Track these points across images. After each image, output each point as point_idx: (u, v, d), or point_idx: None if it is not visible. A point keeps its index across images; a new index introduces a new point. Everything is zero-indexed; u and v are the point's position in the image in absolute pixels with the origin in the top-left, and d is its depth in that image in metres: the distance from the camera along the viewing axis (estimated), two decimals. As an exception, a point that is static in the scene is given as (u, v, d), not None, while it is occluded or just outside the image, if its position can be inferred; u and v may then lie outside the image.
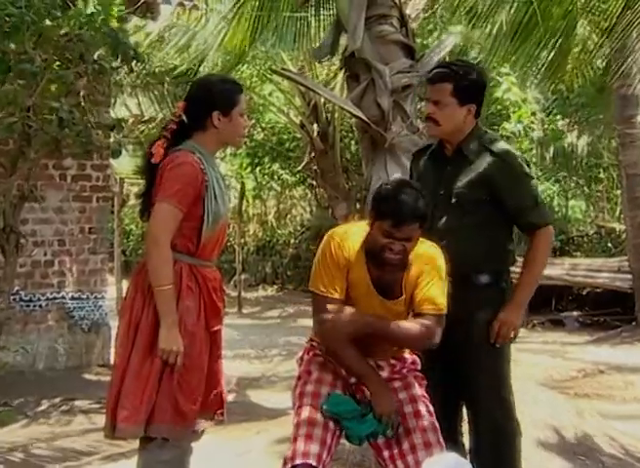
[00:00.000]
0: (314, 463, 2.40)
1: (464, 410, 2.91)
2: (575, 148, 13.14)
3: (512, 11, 5.50)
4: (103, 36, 3.73)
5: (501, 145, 2.86)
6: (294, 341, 8.33)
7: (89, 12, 3.79)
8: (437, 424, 2.54)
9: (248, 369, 7.17)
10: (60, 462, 4.29)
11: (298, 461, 2.40)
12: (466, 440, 2.91)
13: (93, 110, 6.12)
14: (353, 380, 2.62)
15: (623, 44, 5.83)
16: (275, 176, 14.48)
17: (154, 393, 2.59)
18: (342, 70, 5.08)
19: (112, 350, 3.10)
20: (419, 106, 5.32)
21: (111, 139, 5.22)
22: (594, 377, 6.86)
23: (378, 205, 2.47)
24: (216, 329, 2.73)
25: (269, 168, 13.84)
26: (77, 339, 6.82)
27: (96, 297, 6.96)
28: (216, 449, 3.79)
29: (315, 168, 11.45)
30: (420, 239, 2.52)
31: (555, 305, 11.23)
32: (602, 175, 14.10)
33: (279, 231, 16.90)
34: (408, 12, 4.77)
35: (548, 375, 6.54)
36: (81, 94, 4.27)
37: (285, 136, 13.16)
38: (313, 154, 11.17)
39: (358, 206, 10.82)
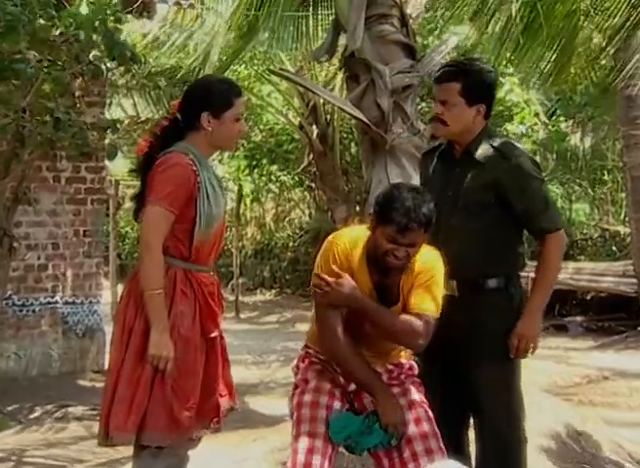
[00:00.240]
0: None
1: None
2: (578, 150, 13.15)
3: (514, 11, 5.50)
4: (99, 36, 3.74)
5: (512, 148, 2.80)
6: (292, 347, 8.32)
7: (84, 12, 3.79)
8: (437, 430, 2.54)
9: (245, 375, 7.16)
10: (54, 470, 4.29)
11: None
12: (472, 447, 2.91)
13: (87, 111, 6.14)
14: (352, 388, 2.61)
15: (628, 44, 5.85)
16: (273, 178, 14.48)
17: (146, 399, 2.58)
18: (342, 71, 5.08)
19: (107, 356, 3.10)
20: (419, 107, 5.33)
21: (106, 141, 5.22)
22: (599, 384, 6.85)
23: (381, 210, 2.45)
24: (213, 335, 2.72)
25: (267, 170, 13.84)
26: (71, 345, 6.81)
27: (90, 302, 6.96)
28: (212, 457, 3.78)
29: (314, 170, 11.45)
30: None
31: (559, 310, 11.22)
32: (606, 178, 14.11)
33: (277, 234, 16.89)
34: (408, 11, 4.78)
35: (552, 382, 6.54)
36: (76, 94, 4.28)
37: (283, 138, 13.16)
38: (312, 156, 11.18)
39: (358, 208, 10.83)
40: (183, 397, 2.63)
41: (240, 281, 13.66)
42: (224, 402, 2.81)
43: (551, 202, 2.84)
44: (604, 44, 5.96)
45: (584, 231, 14.14)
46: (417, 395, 2.61)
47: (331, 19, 5.49)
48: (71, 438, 4.99)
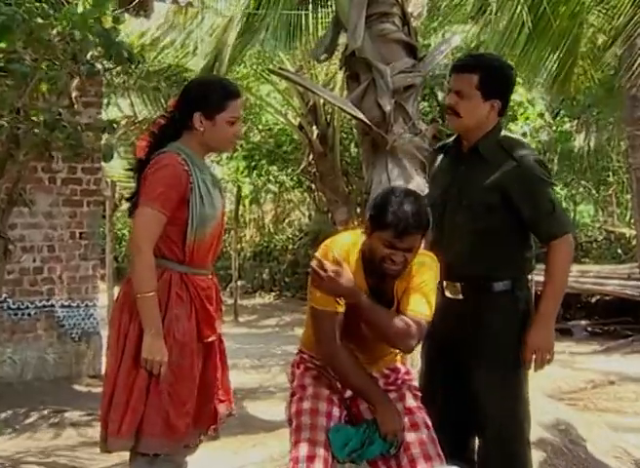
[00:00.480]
0: None
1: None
2: (583, 151, 13.15)
3: (519, 10, 5.51)
4: (96, 36, 3.74)
5: (521, 149, 2.75)
6: (291, 351, 8.28)
7: (81, 10, 3.79)
8: (435, 436, 2.54)
9: (244, 379, 7.16)
10: (49, 477, 4.28)
11: None
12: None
13: (84, 112, 6.14)
14: (349, 394, 2.62)
15: (633, 43, 5.85)
16: (272, 179, 14.49)
17: (141, 405, 2.58)
18: (342, 70, 5.08)
19: (103, 360, 3.10)
20: (421, 107, 5.34)
21: (103, 142, 5.22)
22: (604, 388, 6.85)
23: (378, 214, 2.45)
24: (210, 339, 2.71)
25: (266, 171, 13.85)
26: (67, 349, 6.81)
27: (87, 305, 6.95)
28: (210, 463, 3.78)
29: (314, 171, 11.47)
30: None
31: (563, 314, 11.19)
32: (611, 179, 14.11)
33: (277, 236, 16.89)
34: (410, 10, 4.77)
35: (557, 387, 6.53)
36: (73, 95, 4.28)
37: (283, 138, 13.17)
38: (312, 157, 11.19)
39: (358, 210, 10.84)
40: (180, 403, 2.62)
41: (239, 284, 13.66)
42: (223, 407, 2.81)
43: (559, 205, 2.79)
44: (608, 44, 5.97)
45: (589, 233, 14.14)
46: (413, 400, 2.62)
47: (331, 17, 5.50)
48: (67, 444, 4.99)
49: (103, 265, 10.34)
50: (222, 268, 14.45)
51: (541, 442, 3.68)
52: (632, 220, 11.95)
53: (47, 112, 4.04)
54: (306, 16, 6.43)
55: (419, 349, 3.55)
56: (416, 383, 2.74)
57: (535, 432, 2.93)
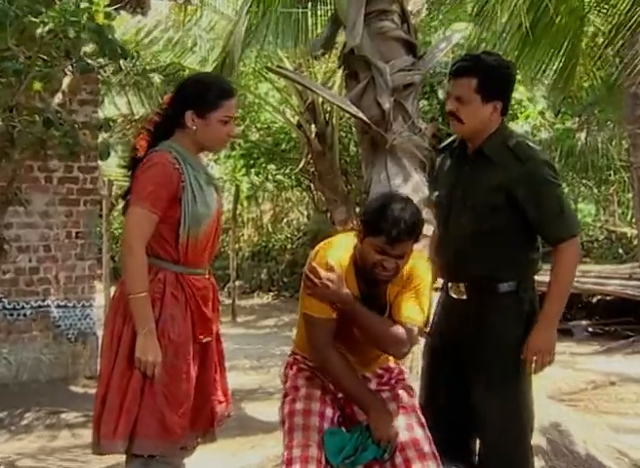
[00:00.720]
0: None
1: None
2: (584, 149, 13.15)
3: (519, 7, 5.50)
4: (89, 32, 3.73)
5: (527, 149, 2.72)
6: (290, 351, 8.31)
7: (73, 7, 3.78)
8: (430, 435, 2.55)
9: (242, 380, 7.16)
10: (45, 478, 4.28)
11: None
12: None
13: (80, 110, 6.14)
14: (342, 394, 2.62)
15: (634, 40, 5.85)
16: (270, 177, 14.48)
17: (135, 407, 2.57)
18: (341, 68, 5.07)
19: (100, 361, 3.10)
20: (421, 106, 5.33)
21: (99, 140, 5.22)
22: (605, 389, 6.84)
23: (370, 221, 2.46)
24: (206, 340, 2.71)
25: (265, 169, 13.84)
26: (63, 350, 6.81)
27: (83, 306, 6.95)
28: (208, 465, 3.78)
29: (313, 170, 11.46)
30: None
31: (563, 314, 11.18)
32: (612, 178, 14.11)
33: (275, 236, 16.89)
34: (409, 7, 4.77)
35: (557, 387, 6.53)
36: (67, 92, 4.27)
37: (281, 137, 13.16)
38: (310, 156, 11.18)
39: (357, 210, 10.83)
40: (175, 404, 2.61)
41: (237, 284, 13.65)
42: (221, 409, 2.81)
43: (567, 206, 2.75)
44: (607, 41, 5.96)
45: (590, 233, 14.14)
46: (408, 400, 2.63)
47: (330, 15, 5.50)
48: (63, 445, 4.99)
49: (100, 265, 10.34)
50: (220, 268, 14.44)
51: (541, 443, 3.68)
52: (634, 220, 11.97)
53: (42, 110, 4.04)
54: (305, 14, 6.42)
55: (419, 349, 3.56)
56: (410, 382, 2.75)
57: (534, 433, 2.92)
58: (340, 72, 8.49)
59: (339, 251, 2.56)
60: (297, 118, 11.48)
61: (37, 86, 3.95)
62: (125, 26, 9.48)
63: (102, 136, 5.30)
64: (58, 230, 6.83)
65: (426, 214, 4.17)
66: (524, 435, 2.75)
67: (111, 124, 4.95)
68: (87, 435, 4.94)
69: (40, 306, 6.72)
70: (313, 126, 10.94)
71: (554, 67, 5.99)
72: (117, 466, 3.73)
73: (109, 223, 11.69)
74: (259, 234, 17.38)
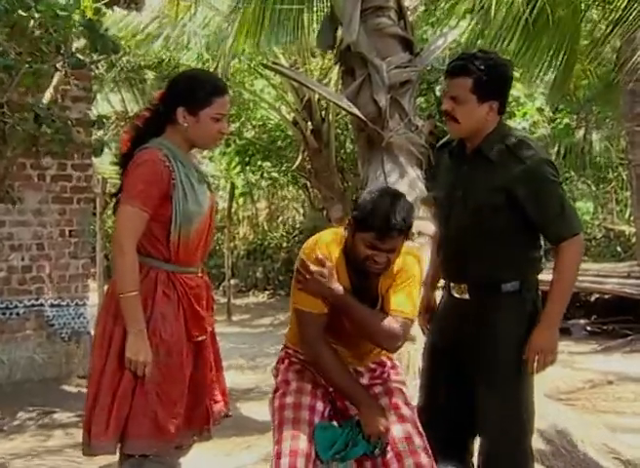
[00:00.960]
0: None
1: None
2: (582, 147, 13.17)
3: (515, 5, 5.51)
4: (79, 28, 3.71)
5: (527, 148, 2.70)
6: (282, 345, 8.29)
7: (64, 1, 3.76)
8: (422, 430, 2.56)
9: (238, 379, 7.16)
10: (38, 479, 4.27)
11: None
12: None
13: (73, 107, 6.12)
14: (333, 389, 2.63)
15: (631, 37, 5.86)
16: (266, 175, 14.48)
17: (126, 406, 2.57)
18: (337, 65, 5.07)
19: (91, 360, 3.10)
20: (417, 103, 5.33)
21: (93, 137, 5.20)
22: (602, 388, 6.85)
23: (360, 216, 2.48)
24: (199, 339, 2.71)
25: (260, 167, 13.84)
26: (57, 349, 6.79)
27: (77, 305, 6.94)
28: (204, 465, 3.77)
29: (309, 167, 11.46)
30: None
31: (561, 312, 11.21)
32: (610, 175, 14.14)
33: (271, 234, 16.88)
34: (406, 3, 4.77)
35: (555, 386, 6.54)
36: (59, 88, 4.25)
37: (277, 134, 13.16)
38: (307, 153, 11.19)
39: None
40: (169, 403, 2.61)
41: (232, 282, 13.65)
42: (218, 408, 2.81)
43: (568, 205, 2.74)
44: (604, 37, 5.97)
45: (588, 231, 14.16)
46: (400, 395, 2.64)
47: (326, 11, 5.49)
48: (56, 445, 4.97)
49: (94, 264, 10.33)
50: (215, 267, 14.43)
51: (539, 442, 3.69)
52: (632, 218, 11.98)
53: (35, 107, 4.03)
54: (301, 10, 6.41)
55: (416, 348, 3.56)
56: (402, 377, 2.76)
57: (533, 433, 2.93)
58: (336, 69, 8.49)
59: (329, 244, 2.57)
60: (292, 115, 11.48)
61: (28, 82, 3.94)
62: (119, 23, 9.47)
63: (96, 133, 5.28)
64: (51, 228, 6.81)
65: (423, 211, 4.20)
66: (524, 434, 2.75)
67: (105, 121, 4.94)
68: (80, 435, 4.94)
69: (33, 305, 6.70)
70: (309, 123, 10.94)
71: (553, 65, 5.99)
72: (111, 466, 3.73)
73: (103, 221, 11.68)
74: (254, 232, 17.38)
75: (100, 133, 5.97)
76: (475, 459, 2.84)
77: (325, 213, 12.25)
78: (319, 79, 10.75)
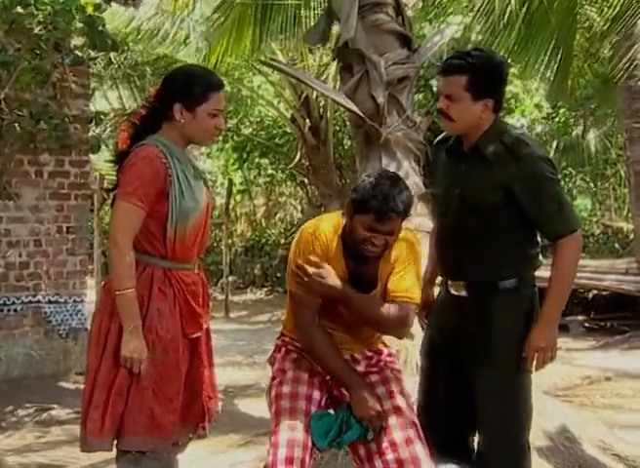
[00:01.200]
0: None
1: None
2: (581, 143, 13.18)
3: (511, 2, 5.51)
4: (79, 24, 3.71)
5: (524, 146, 2.69)
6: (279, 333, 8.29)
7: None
8: (417, 420, 2.57)
9: (235, 376, 7.16)
10: (36, 476, 4.28)
11: None
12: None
13: (71, 103, 6.11)
14: (328, 374, 2.64)
15: (629, 34, 5.86)
16: (263, 172, 14.48)
17: (122, 403, 2.58)
18: (335, 61, 5.07)
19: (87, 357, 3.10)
20: (415, 99, 5.33)
21: (90, 134, 5.20)
22: (600, 385, 6.86)
23: (359, 198, 2.48)
24: (195, 336, 2.71)
25: (258, 163, 13.84)
26: (54, 346, 6.79)
27: (74, 301, 6.93)
28: (201, 462, 3.78)
29: (307, 164, 11.46)
30: None
31: (559, 309, 11.21)
32: (609, 172, 14.15)
33: (268, 231, 16.88)
34: (404, 0, 4.77)
35: (552, 383, 6.55)
36: (57, 85, 4.25)
37: (275, 131, 13.15)
38: (304, 150, 11.18)
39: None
40: (165, 399, 2.61)
41: (230, 279, 13.65)
42: (214, 404, 2.81)
43: (565, 202, 2.74)
44: (601, 33, 5.97)
45: (586, 227, 14.18)
46: (396, 383, 2.64)
47: (324, 7, 5.49)
48: (53, 442, 4.98)
49: (91, 260, 10.32)
50: (213, 263, 14.44)
51: (537, 439, 3.69)
52: (630, 214, 11.99)
53: (32, 103, 4.02)
54: (299, 6, 6.41)
55: (414, 345, 3.56)
56: (399, 366, 2.77)
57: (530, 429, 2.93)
58: (334, 65, 8.48)
59: (325, 230, 2.58)
60: (290, 112, 11.47)
61: (26, 78, 3.94)
62: (117, 20, 9.45)
63: (94, 129, 5.28)
64: (48, 225, 6.80)
65: (421, 208, 4.20)
66: (522, 431, 2.75)
67: (103, 118, 4.93)
68: (78, 431, 4.94)
69: (31, 302, 6.70)
70: (307, 120, 10.94)
71: (550, 61, 5.99)
72: (104, 462, 3.74)
73: (101, 218, 11.67)
74: (252, 229, 17.37)
75: (98, 129, 5.98)
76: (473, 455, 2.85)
77: (323, 209, 12.25)
78: (317, 75, 10.75)
